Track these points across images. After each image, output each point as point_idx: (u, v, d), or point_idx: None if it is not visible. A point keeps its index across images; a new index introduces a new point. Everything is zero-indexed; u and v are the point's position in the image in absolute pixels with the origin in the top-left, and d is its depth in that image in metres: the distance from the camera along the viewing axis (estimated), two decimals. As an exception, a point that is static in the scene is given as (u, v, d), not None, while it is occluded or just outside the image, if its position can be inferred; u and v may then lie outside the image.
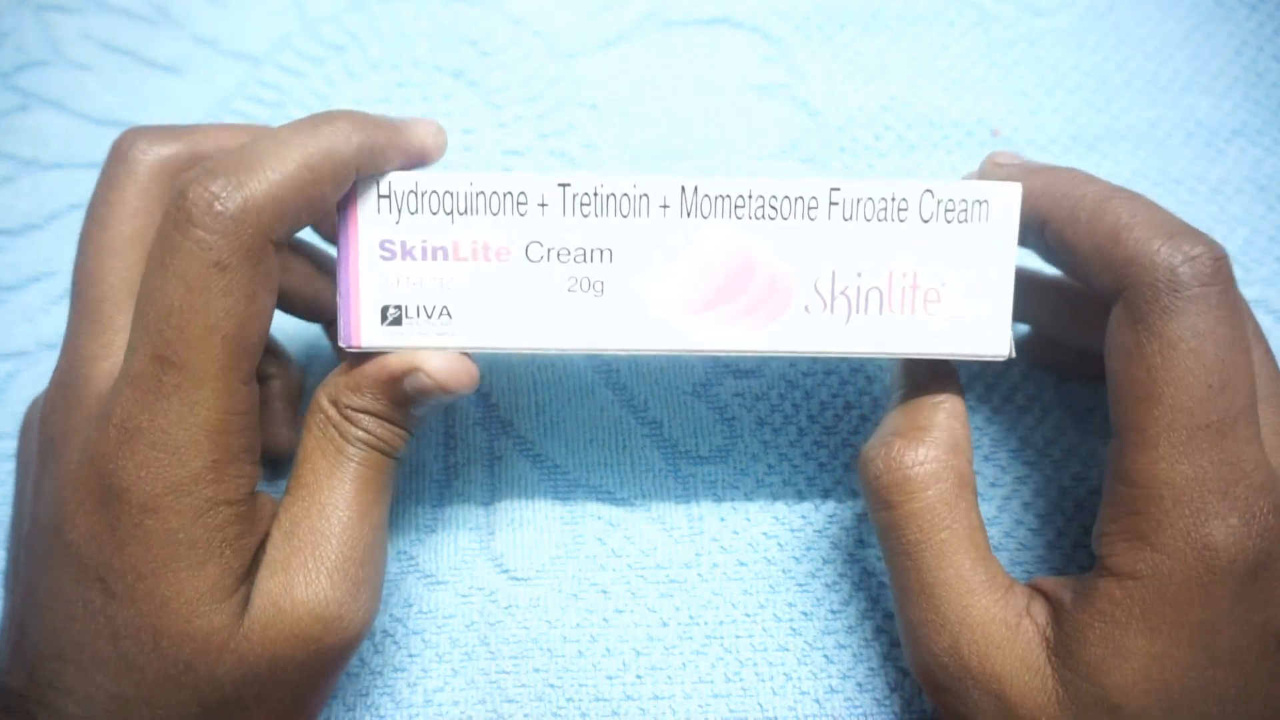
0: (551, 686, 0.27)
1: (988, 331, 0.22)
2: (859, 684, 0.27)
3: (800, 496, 0.29)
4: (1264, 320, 0.31)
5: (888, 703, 0.26)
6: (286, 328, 0.30)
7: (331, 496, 0.22)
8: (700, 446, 0.29)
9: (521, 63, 0.35)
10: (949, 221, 0.22)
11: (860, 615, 0.27)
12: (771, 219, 0.22)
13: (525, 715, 0.26)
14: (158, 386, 0.20)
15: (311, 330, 0.30)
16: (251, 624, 0.20)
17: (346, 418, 0.22)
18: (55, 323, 0.32)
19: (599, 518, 0.29)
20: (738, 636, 0.27)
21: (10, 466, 0.30)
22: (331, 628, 0.21)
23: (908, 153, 0.33)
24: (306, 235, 0.29)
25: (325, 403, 0.22)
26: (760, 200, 0.22)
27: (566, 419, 0.30)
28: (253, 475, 0.21)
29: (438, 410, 0.24)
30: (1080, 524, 0.28)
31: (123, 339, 0.22)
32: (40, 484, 0.22)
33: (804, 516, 0.29)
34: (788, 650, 0.27)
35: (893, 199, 0.22)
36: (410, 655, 0.27)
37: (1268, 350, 0.23)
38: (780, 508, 0.29)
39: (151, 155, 0.23)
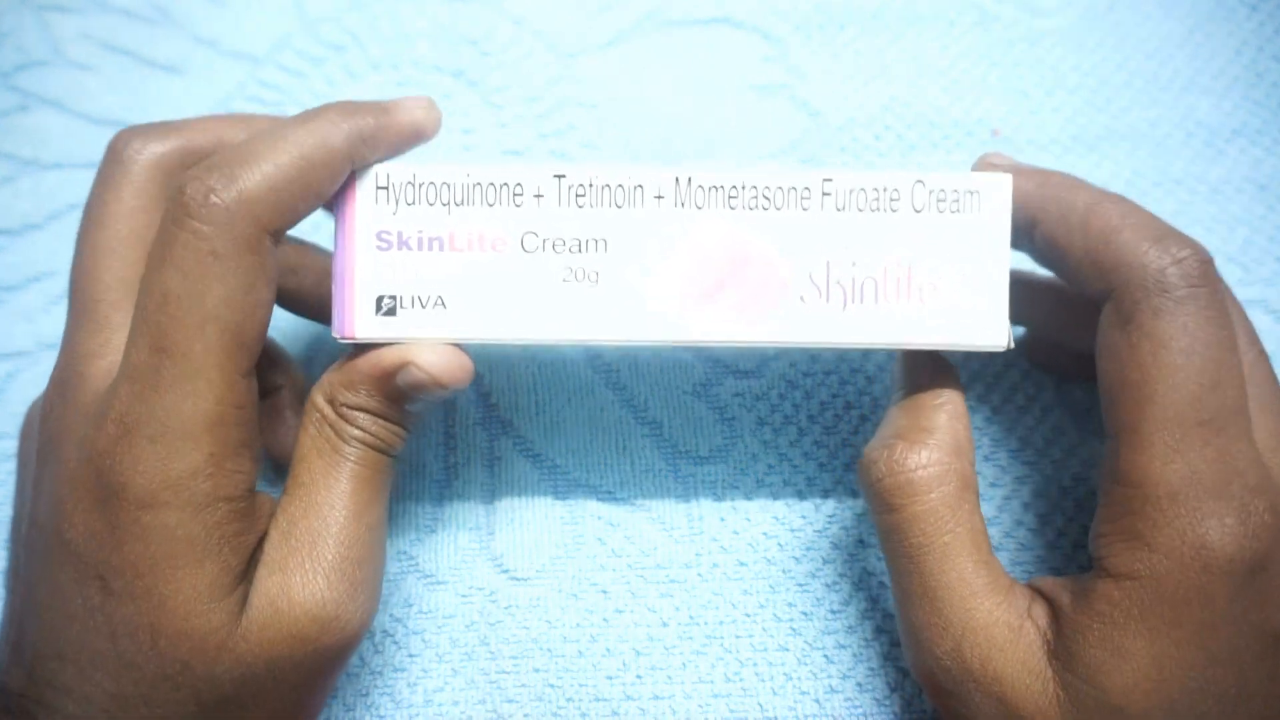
0: (551, 686, 0.27)
1: (985, 323, 0.22)
2: (859, 684, 0.27)
3: (800, 496, 0.29)
4: (1264, 320, 0.31)
5: (888, 703, 0.26)
6: (291, 334, 0.30)
7: (328, 496, 0.22)
8: (700, 446, 0.29)
9: (521, 63, 0.35)
10: (941, 212, 0.22)
11: (860, 615, 0.27)
12: (765, 209, 0.22)
13: (525, 715, 0.26)
14: (155, 379, 0.20)
15: (319, 337, 0.30)
16: (249, 624, 0.20)
17: (342, 416, 0.22)
18: (55, 323, 0.31)
19: (599, 518, 0.29)
20: (738, 636, 0.27)
21: (10, 466, 0.30)
22: (329, 628, 0.21)
23: (908, 153, 0.33)
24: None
25: (321, 402, 0.22)
26: (754, 191, 0.22)
27: (566, 419, 0.30)
28: (251, 472, 0.21)
29: (434, 407, 0.24)
30: (1080, 524, 0.28)
31: (120, 337, 0.22)
32: (39, 484, 0.22)
33: (804, 516, 0.29)
34: (788, 650, 0.27)
35: (884, 190, 0.22)
36: (410, 655, 0.27)
37: (1262, 353, 0.23)
38: (780, 508, 0.29)
39: (146, 154, 0.23)
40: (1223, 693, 0.20)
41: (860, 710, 0.26)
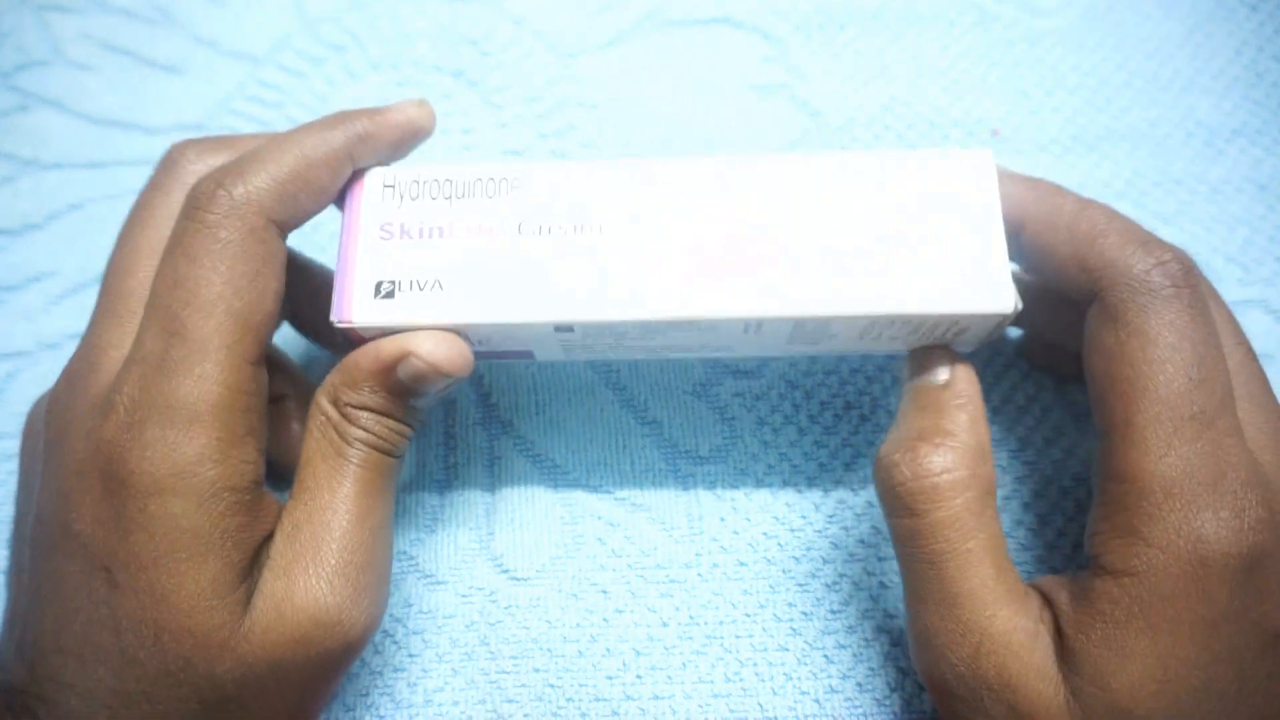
0: (551, 686, 0.27)
1: (989, 288, 0.22)
2: (859, 684, 0.27)
3: (800, 496, 0.29)
4: (1264, 320, 0.31)
5: (888, 703, 0.26)
6: (294, 341, 0.30)
7: (331, 500, 0.22)
8: (700, 446, 0.29)
9: (521, 63, 0.35)
10: (929, 187, 0.23)
11: (860, 615, 0.27)
12: (757, 192, 0.23)
13: (525, 715, 0.26)
14: (164, 361, 0.20)
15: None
16: (252, 626, 0.20)
17: (346, 416, 0.22)
18: (55, 323, 0.32)
19: (599, 518, 0.29)
20: (738, 636, 0.27)
21: (11, 466, 0.30)
22: (332, 632, 0.21)
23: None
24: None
25: (325, 403, 0.22)
26: (744, 175, 0.23)
27: (567, 419, 0.30)
28: (257, 463, 0.21)
29: (437, 400, 0.24)
30: (1080, 524, 0.28)
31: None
32: (45, 477, 0.22)
33: (804, 516, 0.29)
34: (788, 650, 0.27)
35: (869, 168, 0.23)
36: (410, 655, 0.27)
37: (1249, 351, 0.23)
38: (780, 508, 0.29)
39: (200, 165, 0.24)
40: (1224, 691, 0.20)
41: (860, 710, 0.26)
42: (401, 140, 0.24)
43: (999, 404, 0.30)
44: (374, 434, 0.22)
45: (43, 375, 0.30)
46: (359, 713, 0.27)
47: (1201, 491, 0.20)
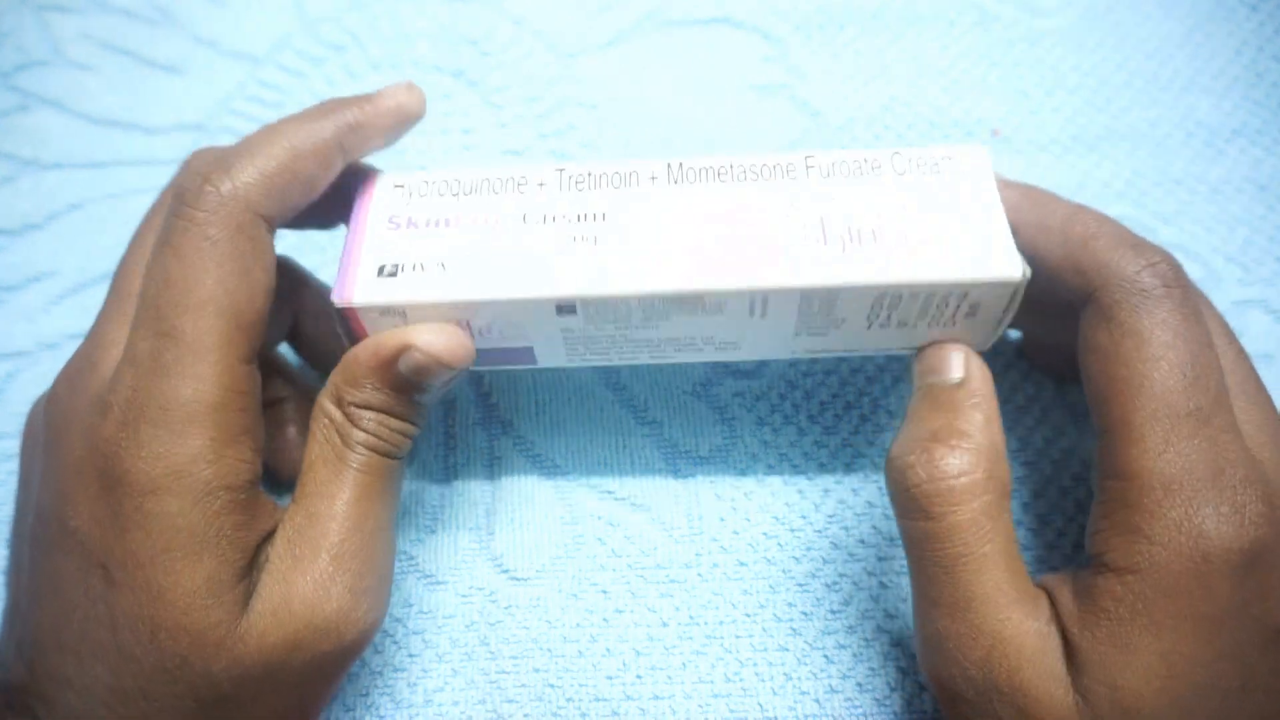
0: (551, 686, 0.27)
1: (994, 256, 0.22)
2: (859, 684, 0.27)
3: (800, 497, 0.29)
4: (1264, 320, 0.31)
5: (888, 703, 0.26)
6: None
7: (331, 506, 0.22)
8: (700, 446, 0.29)
9: (521, 63, 0.35)
10: (924, 174, 0.23)
11: (860, 615, 0.27)
12: (755, 180, 0.23)
13: (525, 715, 0.26)
14: (157, 363, 0.20)
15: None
16: (250, 627, 0.20)
17: (349, 416, 0.22)
18: (55, 323, 0.32)
19: (599, 518, 0.29)
20: (738, 636, 0.27)
21: (10, 466, 0.30)
22: (328, 637, 0.21)
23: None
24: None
25: (328, 405, 0.22)
26: (742, 169, 0.24)
27: (566, 419, 0.30)
28: (253, 462, 0.21)
29: (440, 394, 0.23)
30: (1080, 524, 0.28)
31: None
32: (44, 474, 0.22)
33: (804, 516, 0.29)
34: (788, 650, 0.27)
35: (865, 161, 0.23)
36: (410, 655, 0.27)
37: (1240, 351, 0.23)
38: (780, 508, 0.29)
39: None
40: (1228, 688, 0.20)
41: (860, 710, 0.26)
42: (393, 126, 0.24)
43: (999, 404, 0.30)
44: (376, 436, 0.22)
45: (43, 375, 0.30)
46: (359, 713, 0.27)
47: (1201, 487, 0.20)
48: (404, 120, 0.24)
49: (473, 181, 0.24)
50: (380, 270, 0.22)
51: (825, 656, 0.27)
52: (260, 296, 0.21)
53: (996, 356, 0.30)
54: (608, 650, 0.27)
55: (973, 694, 0.21)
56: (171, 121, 0.35)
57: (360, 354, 0.22)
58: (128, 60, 0.35)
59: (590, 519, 0.29)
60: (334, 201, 0.24)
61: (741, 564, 0.28)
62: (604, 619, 0.27)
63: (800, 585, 0.28)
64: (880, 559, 0.28)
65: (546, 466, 0.29)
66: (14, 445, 0.29)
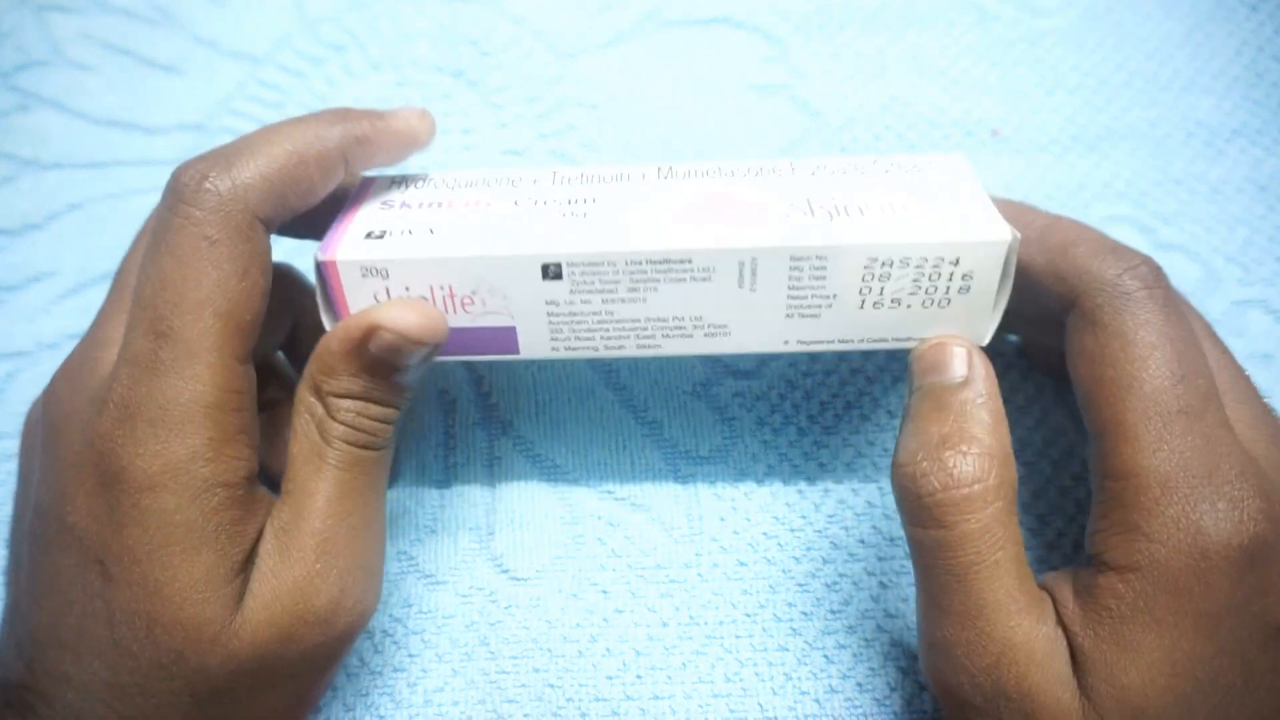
0: (551, 686, 0.27)
1: (984, 222, 0.22)
2: (859, 684, 0.27)
3: (800, 497, 0.29)
4: (1264, 320, 0.31)
5: (888, 703, 0.26)
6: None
7: (312, 502, 0.22)
8: (700, 446, 0.29)
9: (521, 63, 0.35)
10: (906, 173, 0.24)
11: (860, 615, 0.27)
12: (742, 177, 0.24)
13: (525, 715, 0.26)
14: (154, 362, 0.20)
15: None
16: (243, 622, 0.21)
17: (328, 408, 0.22)
18: (55, 323, 0.32)
19: (599, 518, 0.29)
20: (738, 636, 0.27)
21: (10, 467, 0.30)
22: (320, 628, 0.21)
23: (908, 153, 0.33)
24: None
25: (307, 397, 0.22)
26: (730, 170, 0.25)
27: (566, 419, 0.30)
28: (250, 459, 0.22)
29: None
30: (1080, 524, 0.28)
31: None
32: (43, 470, 0.22)
33: (804, 516, 0.29)
34: (788, 650, 0.27)
35: (850, 164, 0.25)
36: (410, 655, 0.27)
37: (1226, 350, 0.24)
38: (780, 508, 0.29)
39: None
40: (1230, 685, 0.20)
41: (860, 710, 0.26)
42: (399, 148, 0.24)
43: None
44: (356, 429, 0.22)
45: (43, 375, 0.30)
46: (359, 713, 0.27)
47: (1197, 484, 0.20)
48: (411, 145, 0.24)
49: (469, 179, 0.25)
50: (368, 235, 0.22)
51: (825, 656, 0.27)
52: (257, 298, 0.21)
53: (996, 356, 0.30)
54: (608, 650, 0.27)
55: (980, 700, 0.21)
56: (171, 121, 0.35)
57: (331, 341, 0.22)
58: (128, 60, 0.35)
59: (590, 519, 0.29)
60: (331, 210, 0.24)
61: (741, 564, 0.28)
62: (604, 619, 0.27)
63: (800, 585, 0.28)
64: (880, 559, 0.28)
65: (546, 467, 0.29)
66: (14, 445, 0.29)
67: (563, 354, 0.24)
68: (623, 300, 0.23)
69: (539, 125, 0.34)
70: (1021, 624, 0.21)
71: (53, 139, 0.34)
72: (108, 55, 0.35)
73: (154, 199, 0.25)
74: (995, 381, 0.22)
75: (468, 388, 0.30)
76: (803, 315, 0.23)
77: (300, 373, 0.29)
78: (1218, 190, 0.33)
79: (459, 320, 0.23)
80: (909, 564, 0.28)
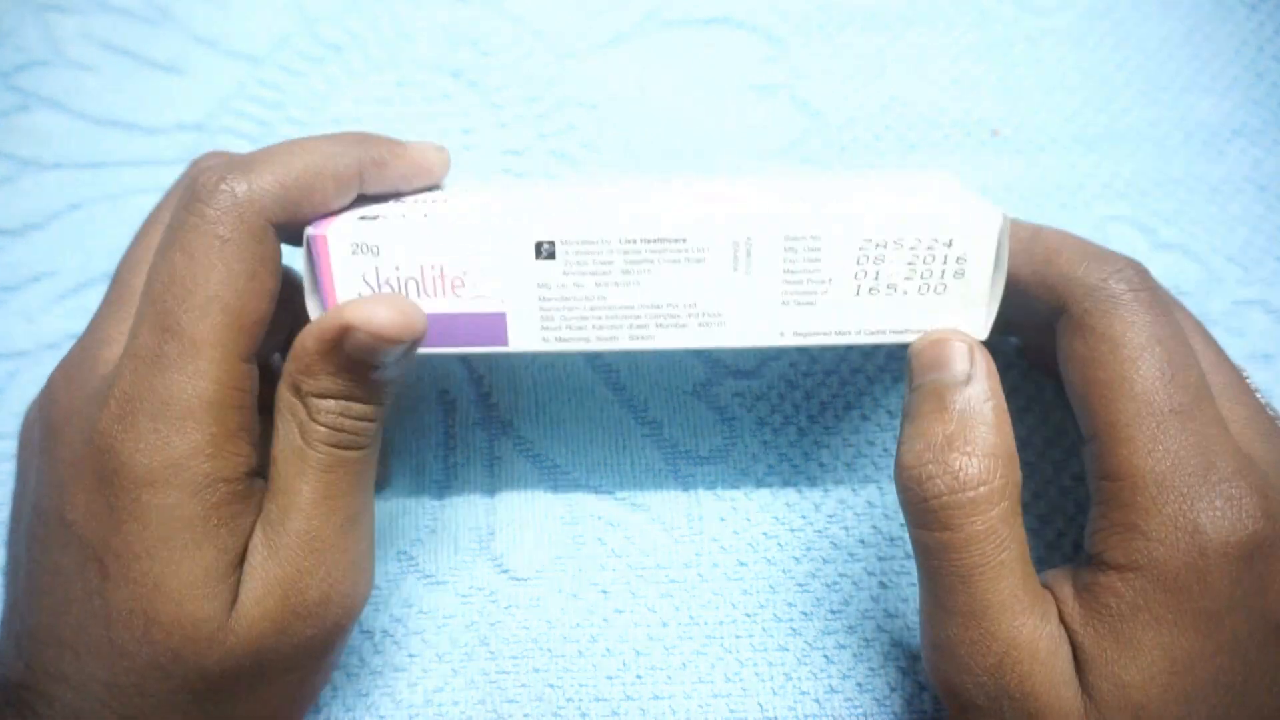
0: (551, 686, 0.27)
1: (975, 208, 0.22)
2: (859, 684, 0.27)
3: (800, 497, 0.29)
4: (1264, 320, 0.31)
5: (888, 703, 0.26)
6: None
7: (299, 501, 0.22)
8: (700, 446, 0.29)
9: (521, 63, 0.35)
10: (895, 178, 0.25)
11: (860, 615, 0.27)
12: (742, 179, 0.26)
13: (525, 715, 0.26)
14: (159, 358, 0.20)
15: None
16: (236, 620, 0.21)
17: (309, 409, 0.21)
18: (55, 323, 0.32)
19: (599, 518, 0.29)
20: (738, 636, 0.27)
21: (10, 467, 0.30)
22: (311, 622, 0.22)
23: (908, 153, 0.33)
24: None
25: (287, 395, 0.22)
26: (728, 179, 0.26)
27: (566, 419, 0.30)
28: (250, 456, 0.22)
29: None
30: (1080, 524, 0.28)
31: None
32: (42, 469, 0.22)
33: (804, 516, 0.29)
34: (788, 650, 0.27)
35: (839, 175, 0.26)
36: (410, 655, 0.27)
37: (1220, 351, 0.24)
38: (780, 508, 0.29)
39: None
40: (1230, 683, 0.20)
41: (860, 710, 0.26)
42: (413, 178, 0.24)
43: (999, 404, 0.30)
44: (338, 430, 0.22)
45: (43, 375, 0.30)
46: (359, 713, 0.27)
47: (1194, 483, 0.20)
48: (426, 177, 0.25)
49: (468, 185, 0.26)
50: (362, 217, 0.23)
51: (825, 656, 0.27)
52: (265, 299, 0.21)
53: (996, 356, 0.30)
54: (608, 650, 0.27)
55: (983, 700, 0.21)
56: (171, 121, 0.35)
57: (307, 340, 0.21)
58: (127, 60, 0.35)
59: (590, 519, 0.29)
60: None
61: (741, 564, 0.28)
62: (604, 619, 0.27)
63: (800, 585, 0.28)
64: (880, 559, 0.28)
65: (546, 466, 0.29)
66: (14, 445, 0.29)
67: (553, 345, 0.23)
68: (616, 283, 0.22)
69: (539, 125, 0.34)
70: (1026, 623, 0.21)
71: (53, 139, 0.34)
72: (108, 55, 0.35)
73: (154, 199, 0.25)
74: (998, 378, 0.22)
75: (468, 387, 0.30)
76: (798, 303, 0.22)
77: None
78: (1218, 190, 0.33)
79: (448, 305, 0.22)
80: (909, 564, 0.28)
